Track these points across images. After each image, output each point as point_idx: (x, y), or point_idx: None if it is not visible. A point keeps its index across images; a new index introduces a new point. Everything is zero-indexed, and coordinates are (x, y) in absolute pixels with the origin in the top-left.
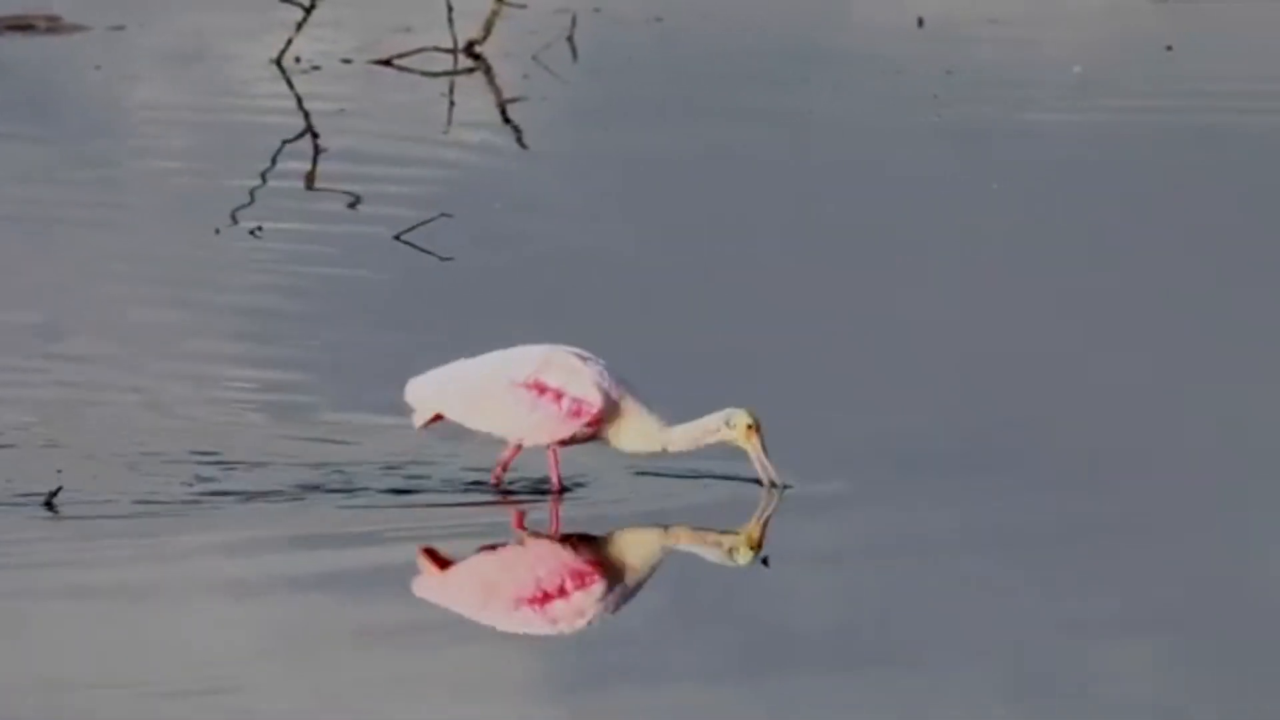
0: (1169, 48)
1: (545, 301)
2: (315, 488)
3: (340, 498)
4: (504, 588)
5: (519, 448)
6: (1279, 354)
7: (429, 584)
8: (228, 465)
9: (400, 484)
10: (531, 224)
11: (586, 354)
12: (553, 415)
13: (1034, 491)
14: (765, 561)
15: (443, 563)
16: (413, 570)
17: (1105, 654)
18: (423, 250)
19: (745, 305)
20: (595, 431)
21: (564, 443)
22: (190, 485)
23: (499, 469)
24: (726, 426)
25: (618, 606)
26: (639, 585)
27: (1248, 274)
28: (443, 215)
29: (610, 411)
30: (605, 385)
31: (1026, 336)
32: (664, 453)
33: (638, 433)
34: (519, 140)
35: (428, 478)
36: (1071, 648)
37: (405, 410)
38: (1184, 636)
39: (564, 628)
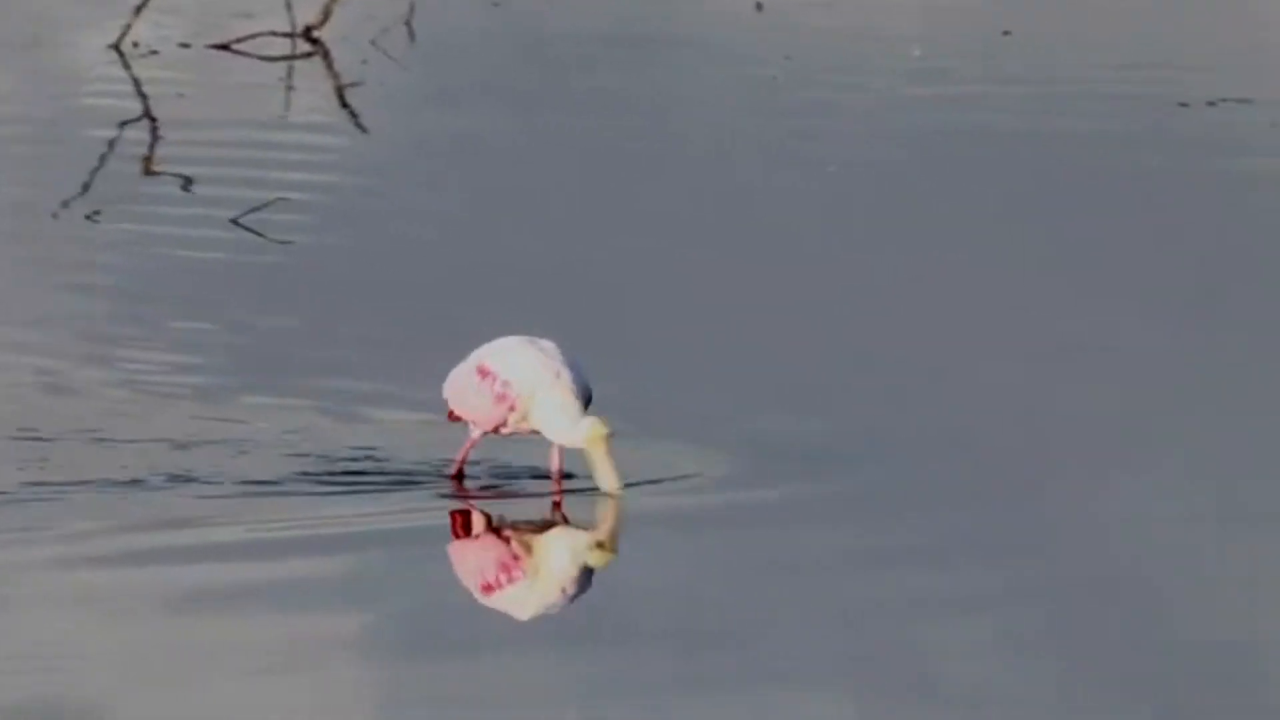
0: (1006, 33)
1: (383, 283)
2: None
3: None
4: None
5: (476, 439)
6: (1069, 334)
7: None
8: (51, 446)
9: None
10: (369, 207)
11: (546, 343)
12: (486, 397)
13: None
14: None
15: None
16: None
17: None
18: (259, 234)
19: (580, 283)
20: (522, 418)
21: (499, 429)
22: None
23: (458, 462)
24: (584, 435)
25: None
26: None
27: (1059, 256)
28: (280, 198)
29: (531, 398)
30: (535, 371)
31: (848, 314)
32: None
33: (551, 422)
34: (357, 124)
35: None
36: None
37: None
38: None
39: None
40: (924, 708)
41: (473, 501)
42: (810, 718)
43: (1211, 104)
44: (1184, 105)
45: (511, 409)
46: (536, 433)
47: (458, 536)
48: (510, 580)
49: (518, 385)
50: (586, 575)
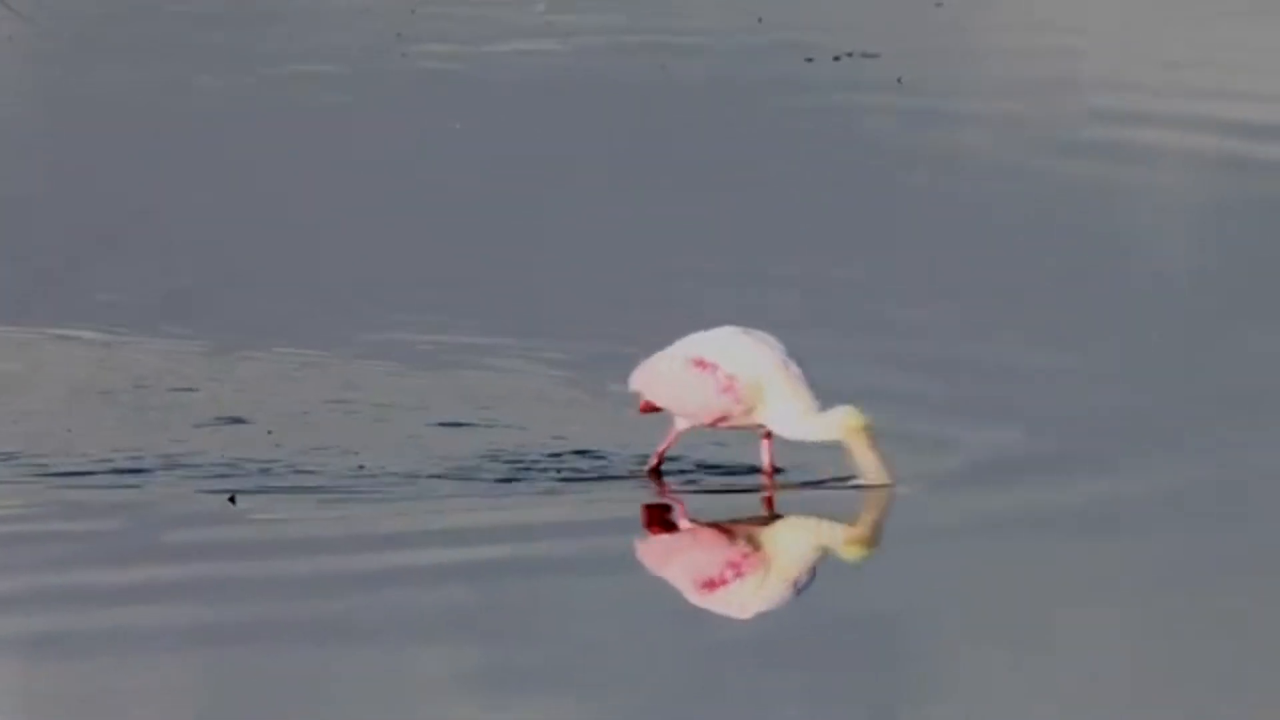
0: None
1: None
2: None
3: None
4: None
5: (677, 434)
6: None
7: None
8: None
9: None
10: None
11: (762, 334)
12: (708, 390)
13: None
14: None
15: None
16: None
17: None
18: None
19: (213, 236)
20: (746, 411)
21: (717, 423)
22: None
23: (657, 455)
24: (839, 427)
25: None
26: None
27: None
28: None
29: (753, 390)
30: (761, 363)
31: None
32: (801, 440)
33: (783, 415)
34: None
35: None
36: None
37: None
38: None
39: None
40: None
41: (675, 496)
42: None
43: (837, 59)
44: (810, 60)
45: (737, 401)
46: (760, 426)
47: (658, 531)
48: (738, 577)
49: (744, 377)
50: (826, 572)
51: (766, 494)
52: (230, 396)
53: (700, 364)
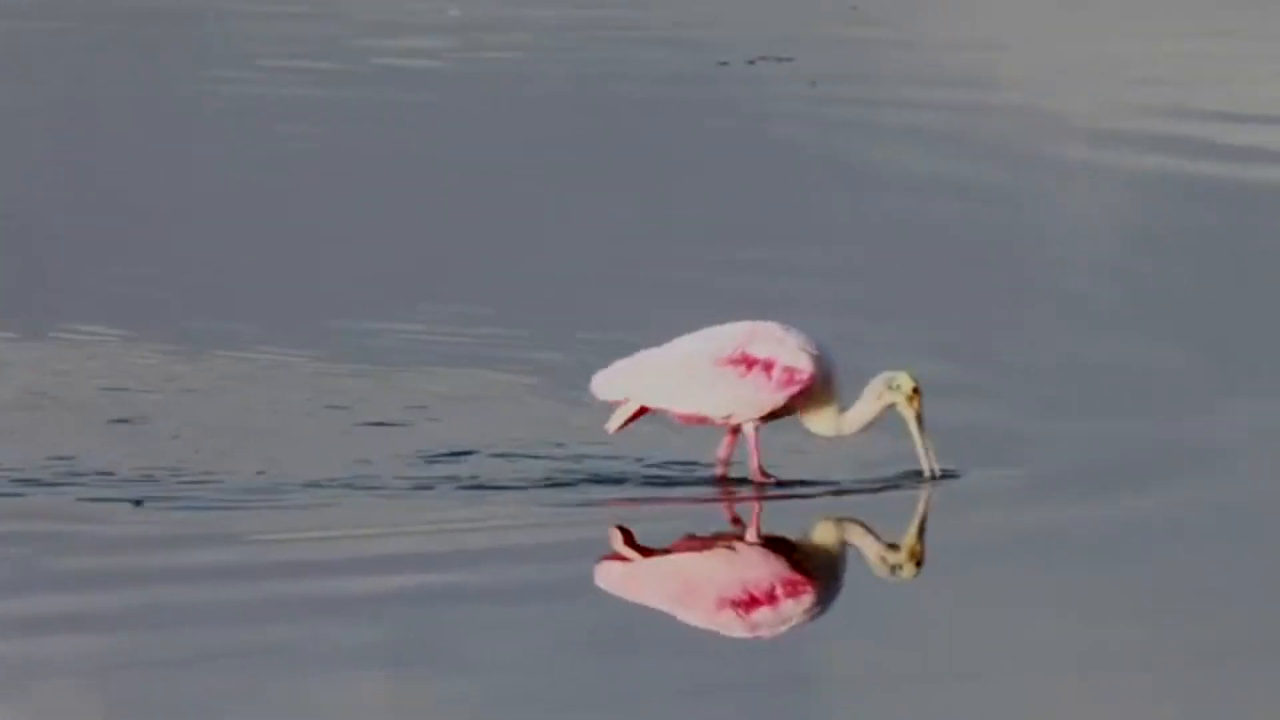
0: None
1: None
2: None
3: None
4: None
5: (734, 434)
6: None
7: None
8: None
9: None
10: None
11: (788, 326)
12: (763, 386)
13: None
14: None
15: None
16: None
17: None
18: None
19: None
20: (799, 404)
21: (769, 417)
22: None
23: (720, 465)
24: (889, 390)
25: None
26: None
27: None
28: None
29: (821, 381)
30: (813, 353)
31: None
32: (839, 436)
33: (817, 414)
34: None
35: None
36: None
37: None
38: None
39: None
40: None
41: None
42: None
43: (751, 62)
44: (724, 64)
45: (804, 394)
46: (785, 416)
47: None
48: (791, 597)
49: (805, 368)
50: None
51: (740, 502)
52: (135, 398)
53: (746, 361)
